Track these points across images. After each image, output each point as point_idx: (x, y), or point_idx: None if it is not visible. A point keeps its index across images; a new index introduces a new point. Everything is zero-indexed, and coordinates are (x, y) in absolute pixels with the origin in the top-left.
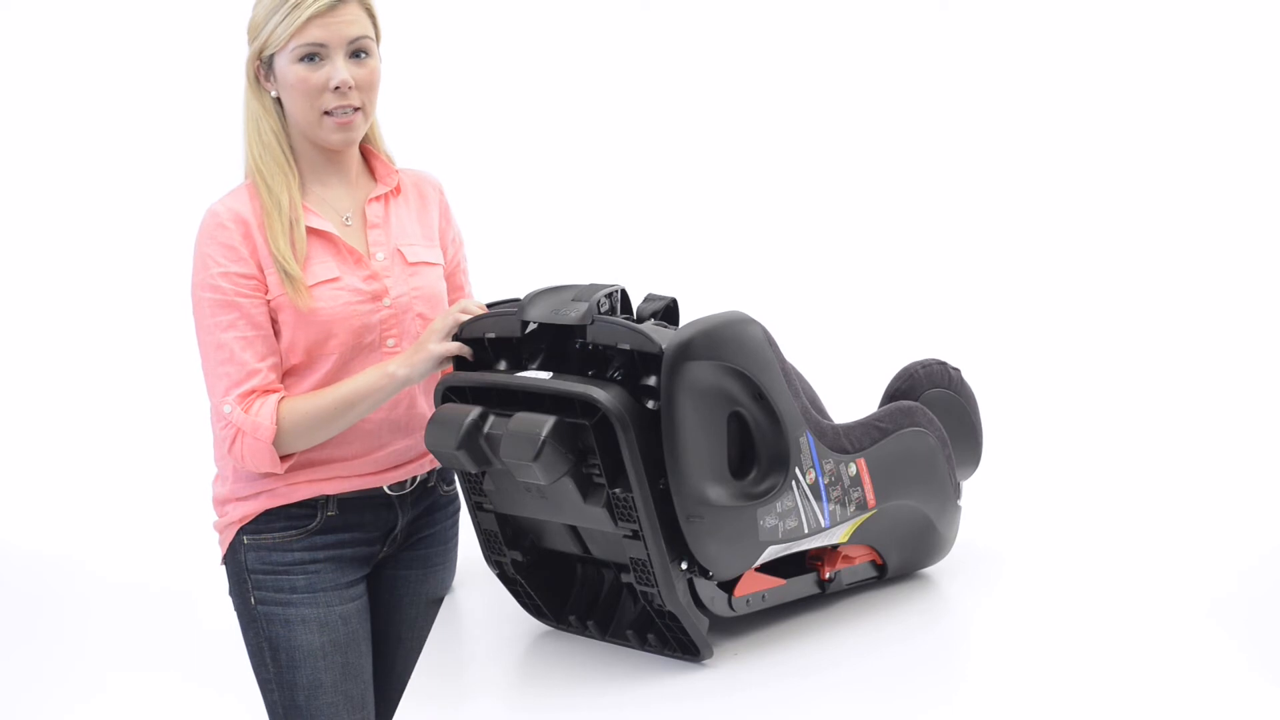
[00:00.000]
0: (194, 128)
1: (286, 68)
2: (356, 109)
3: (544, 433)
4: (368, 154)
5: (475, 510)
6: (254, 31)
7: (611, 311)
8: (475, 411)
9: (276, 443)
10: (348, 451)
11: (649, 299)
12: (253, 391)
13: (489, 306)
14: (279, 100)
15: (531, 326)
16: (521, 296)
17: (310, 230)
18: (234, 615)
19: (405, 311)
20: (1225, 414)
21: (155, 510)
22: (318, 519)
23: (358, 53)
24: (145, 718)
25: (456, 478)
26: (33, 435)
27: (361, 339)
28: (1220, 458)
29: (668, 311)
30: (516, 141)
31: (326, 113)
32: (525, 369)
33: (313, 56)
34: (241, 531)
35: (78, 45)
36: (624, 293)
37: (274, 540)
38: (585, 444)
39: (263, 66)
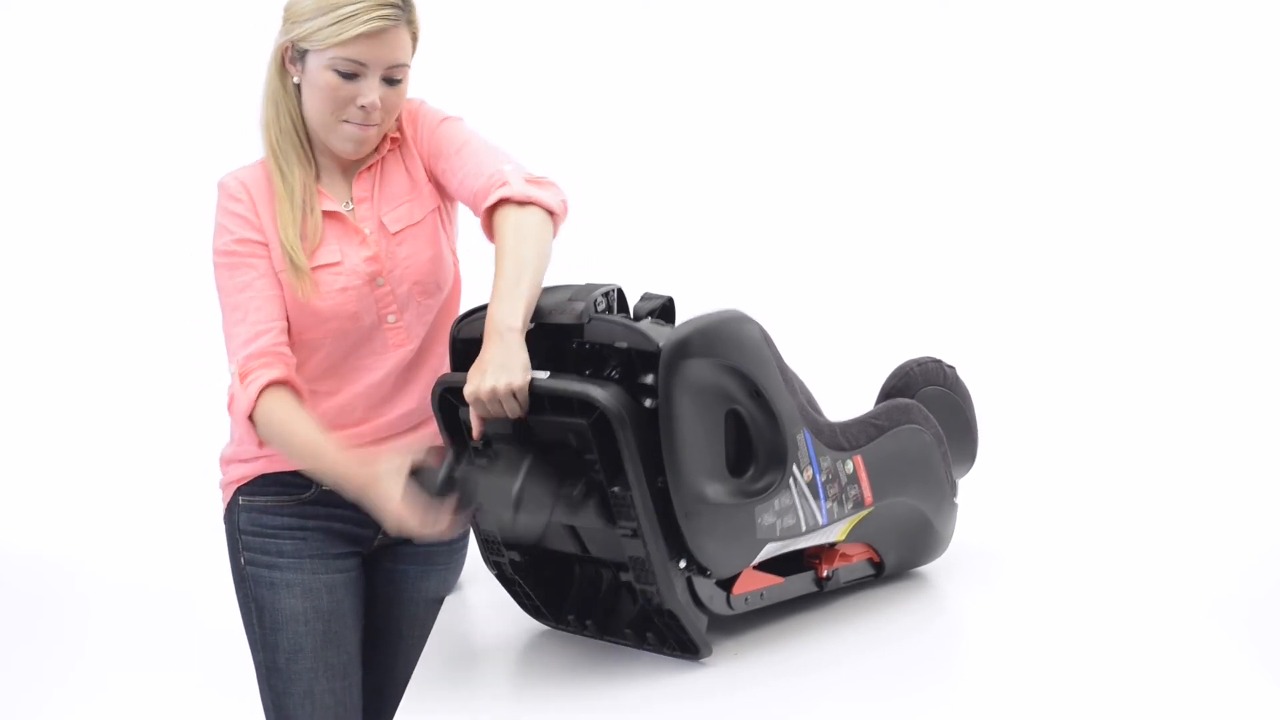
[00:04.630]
0: (191, 125)
1: (319, 70)
2: (375, 126)
3: (515, 490)
4: None
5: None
6: (293, 19)
7: (608, 310)
8: (448, 459)
9: (254, 419)
10: (348, 420)
11: (645, 298)
12: (260, 354)
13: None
14: (299, 87)
15: (528, 326)
16: None
17: (323, 212)
18: (234, 612)
19: (400, 284)
20: (1224, 412)
21: (155, 510)
22: (312, 490)
23: (392, 77)
24: (145, 718)
25: None
26: (33, 435)
27: (359, 323)
28: (1219, 456)
29: (664, 310)
30: (515, 141)
31: (345, 122)
32: None
33: (349, 73)
34: (238, 492)
35: (81, 34)
36: (620, 291)
37: (267, 504)
38: (570, 466)
39: (293, 53)
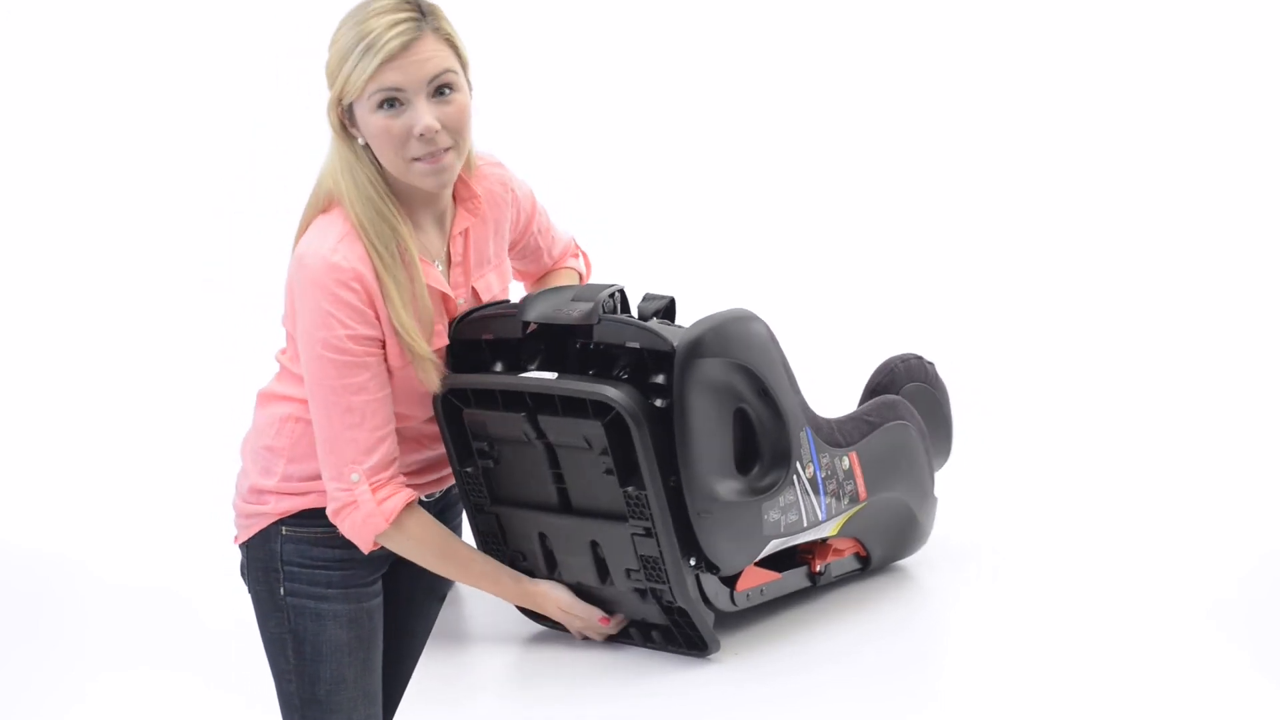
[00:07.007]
0: (190, 126)
1: (367, 117)
2: (447, 149)
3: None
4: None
5: (474, 512)
6: (331, 77)
7: (615, 311)
8: None
9: (379, 536)
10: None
11: (648, 298)
12: (385, 465)
13: (484, 308)
14: (367, 147)
15: (531, 327)
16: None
17: (429, 290)
18: (234, 612)
19: None
20: (1208, 407)
21: (155, 510)
22: None
23: (441, 89)
24: (145, 718)
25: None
26: (33, 435)
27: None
28: (1205, 452)
29: (667, 310)
30: (513, 140)
31: (415, 159)
32: (525, 370)
33: (392, 103)
34: (281, 522)
35: (76, 44)
36: (623, 292)
37: (317, 535)
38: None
39: (346, 114)
